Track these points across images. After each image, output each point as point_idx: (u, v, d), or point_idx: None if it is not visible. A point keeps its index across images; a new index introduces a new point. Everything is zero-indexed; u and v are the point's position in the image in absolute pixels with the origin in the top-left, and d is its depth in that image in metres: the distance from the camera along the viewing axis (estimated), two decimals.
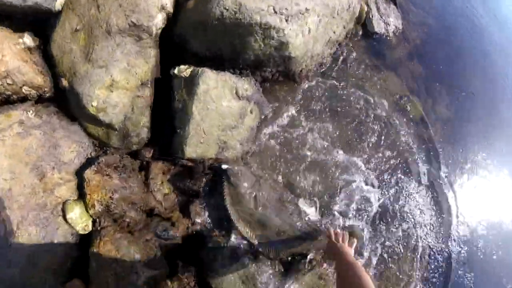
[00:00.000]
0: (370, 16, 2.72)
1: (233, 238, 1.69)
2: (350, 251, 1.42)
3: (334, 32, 2.20)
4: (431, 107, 2.68)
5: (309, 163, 1.92)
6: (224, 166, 1.62)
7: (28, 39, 1.60)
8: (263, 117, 1.77)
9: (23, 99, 1.60)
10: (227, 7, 1.51)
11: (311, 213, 1.82)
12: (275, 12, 1.59)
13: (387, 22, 2.89)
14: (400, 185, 2.09)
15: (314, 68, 2.06)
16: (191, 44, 1.63)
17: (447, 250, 2.11)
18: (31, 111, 1.53)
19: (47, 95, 1.57)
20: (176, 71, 1.54)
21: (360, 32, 2.58)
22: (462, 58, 2.88)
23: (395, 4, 3.05)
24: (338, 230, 1.58)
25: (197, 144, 1.52)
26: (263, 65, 1.72)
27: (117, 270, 1.44)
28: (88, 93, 1.43)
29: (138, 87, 1.49)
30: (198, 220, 1.62)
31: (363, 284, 1.08)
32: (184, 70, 1.53)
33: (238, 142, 1.64)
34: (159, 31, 1.52)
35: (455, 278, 2.08)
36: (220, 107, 1.55)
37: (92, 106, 1.42)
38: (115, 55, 1.44)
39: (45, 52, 1.65)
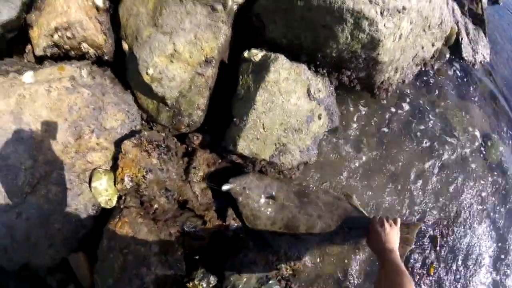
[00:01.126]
0: (460, 39, 2.31)
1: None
2: (396, 248, 1.21)
3: (423, 48, 1.86)
4: None
5: (366, 188, 1.55)
6: (225, 187, 1.35)
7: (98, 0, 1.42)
8: (330, 127, 1.43)
9: (81, 57, 1.43)
10: None
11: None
12: (370, 2, 1.26)
13: (476, 49, 2.47)
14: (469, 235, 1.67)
15: (396, 84, 1.69)
16: (268, 27, 1.37)
17: None
18: (85, 70, 1.37)
19: (106, 57, 1.41)
20: (246, 54, 1.28)
21: (447, 55, 2.20)
22: None
23: (484, 32, 2.61)
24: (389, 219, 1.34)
25: (253, 140, 1.25)
26: (344, 65, 1.43)
27: (128, 257, 1.24)
28: (145, 58, 1.22)
29: (201, 63, 1.25)
30: (234, 227, 1.31)
31: None
32: (255, 54, 1.26)
33: (298, 149, 1.34)
34: (235, 6, 1.26)
35: None
36: (287, 103, 1.27)
37: (147, 73, 1.20)
38: (184, 23, 1.22)
39: (113, 16, 1.46)
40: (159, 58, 1.24)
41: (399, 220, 1.39)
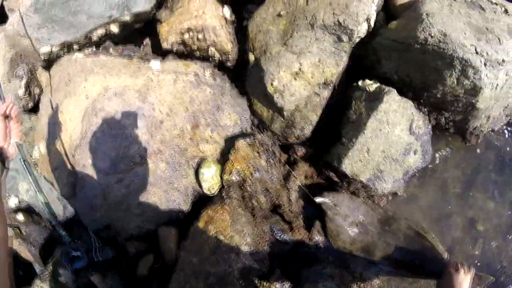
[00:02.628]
0: None
1: None
2: None
3: None
4: None
5: (445, 229, 1.74)
6: (319, 200, 1.61)
7: (227, 12, 1.76)
8: (421, 164, 1.66)
9: (203, 58, 1.75)
10: (432, 34, 1.51)
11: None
12: (476, 53, 1.55)
13: None
14: None
15: (486, 132, 1.90)
16: (382, 63, 1.63)
17: None
18: (208, 70, 1.68)
19: (228, 63, 1.72)
20: (360, 83, 1.55)
21: None
22: None
23: None
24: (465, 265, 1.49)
25: (356, 161, 1.51)
26: (444, 107, 1.66)
27: (221, 242, 1.48)
28: (272, 72, 1.52)
29: (319, 85, 1.54)
30: (316, 238, 1.54)
31: None
32: (369, 84, 1.53)
33: (392, 178, 1.57)
34: (357, 39, 1.55)
35: None
36: (391, 134, 1.52)
37: (271, 85, 1.50)
38: (311, 47, 1.52)
39: (237, 28, 1.82)
40: (285, 73, 1.54)
41: (473, 270, 1.57)
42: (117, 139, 1.57)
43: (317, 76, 1.56)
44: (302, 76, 1.55)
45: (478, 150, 1.95)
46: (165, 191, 1.59)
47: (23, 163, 1.29)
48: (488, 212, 1.86)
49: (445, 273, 1.55)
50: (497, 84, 1.73)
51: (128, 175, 1.58)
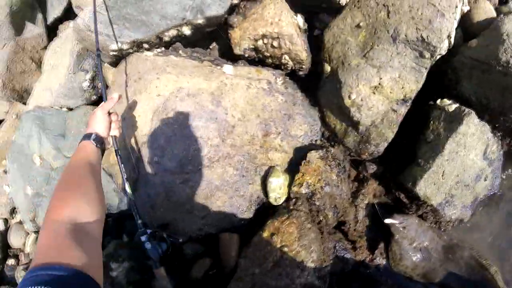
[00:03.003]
0: None
1: None
2: None
3: None
4: None
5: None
6: (388, 221, 1.56)
7: (300, 20, 1.76)
8: (490, 190, 1.61)
9: (275, 66, 1.75)
10: None
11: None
12: None
13: None
14: None
15: None
16: (461, 82, 1.60)
17: None
18: (280, 79, 1.68)
19: (300, 73, 1.72)
20: (439, 102, 1.52)
21: None
22: None
23: None
24: None
25: (430, 184, 1.48)
26: None
27: (285, 255, 1.45)
28: (350, 84, 1.50)
29: (397, 101, 1.52)
30: (378, 260, 1.51)
31: None
32: (447, 104, 1.50)
33: (461, 204, 1.54)
34: (438, 56, 1.52)
35: None
36: (466, 158, 1.49)
37: (349, 98, 1.48)
38: (393, 62, 1.51)
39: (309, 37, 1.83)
40: (363, 87, 1.53)
41: None
42: (187, 140, 1.59)
43: (396, 92, 1.54)
44: (381, 91, 1.53)
45: None
46: (230, 197, 1.59)
47: (116, 153, 1.40)
48: None
49: None
50: None
51: (194, 177, 1.59)
